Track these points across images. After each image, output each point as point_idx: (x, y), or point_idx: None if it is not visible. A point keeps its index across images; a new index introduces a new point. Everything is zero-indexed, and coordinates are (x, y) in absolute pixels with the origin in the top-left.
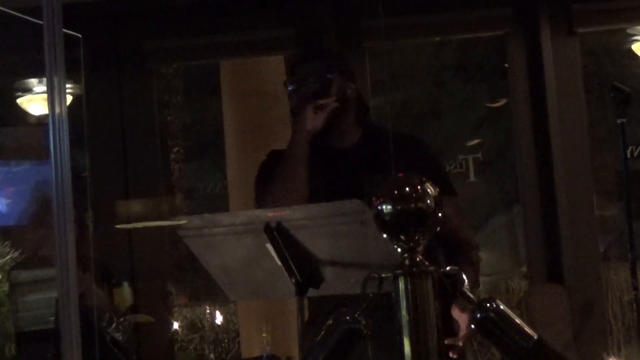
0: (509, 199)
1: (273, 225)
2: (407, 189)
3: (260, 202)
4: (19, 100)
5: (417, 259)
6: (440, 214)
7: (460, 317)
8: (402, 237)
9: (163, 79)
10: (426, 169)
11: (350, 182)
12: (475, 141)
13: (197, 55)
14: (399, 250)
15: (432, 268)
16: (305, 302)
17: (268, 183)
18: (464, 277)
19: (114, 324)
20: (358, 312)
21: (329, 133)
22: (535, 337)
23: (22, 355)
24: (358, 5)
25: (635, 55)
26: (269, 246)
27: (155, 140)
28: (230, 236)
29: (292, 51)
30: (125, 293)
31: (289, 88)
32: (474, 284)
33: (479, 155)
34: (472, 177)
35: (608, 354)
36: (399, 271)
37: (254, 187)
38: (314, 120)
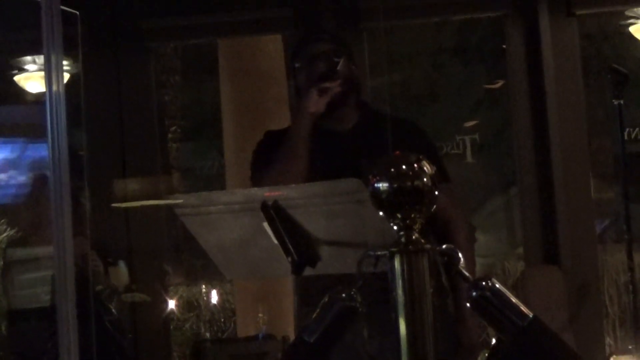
0: (506, 180)
1: (270, 203)
2: (404, 167)
3: (258, 181)
4: (16, 78)
5: (413, 237)
6: (436, 192)
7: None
8: (399, 215)
9: (161, 58)
10: (420, 154)
11: (346, 164)
12: (473, 122)
13: (195, 34)
14: (395, 228)
15: (428, 246)
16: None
17: (266, 163)
18: (460, 255)
19: (113, 300)
20: (354, 290)
21: (329, 115)
22: (531, 316)
23: (16, 333)
24: None
25: (633, 37)
26: (266, 225)
27: (152, 119)
28: (227, 215)
29: (291, 31)
30: (122, 272)
31: (296, 65)
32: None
33: (477, 136)
34: (469, 159)
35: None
36: (395, 249)
37: (250, 167)
38: (317, 103)
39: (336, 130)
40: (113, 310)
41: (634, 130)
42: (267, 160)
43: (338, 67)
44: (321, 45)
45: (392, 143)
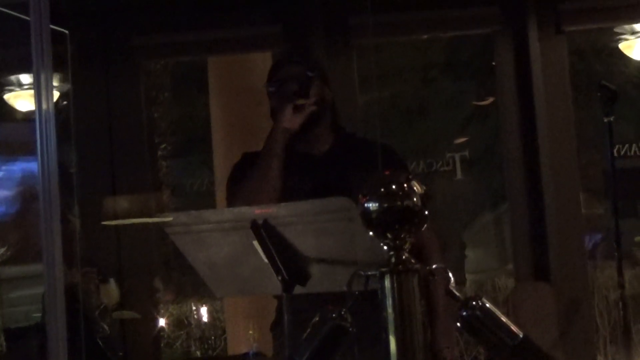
0: (496, 197)
1: (260, 222)
2: (394, 186)
3: (232, 201)
4: (6, 96)
5: (403, 257)
6: (426, 212)
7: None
8: (389, 235)
9: (151, 75)
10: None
11: (321, 187)
12: (463, 139)
13: (185, 51)
14: (385, 248)
15: (418, 266)
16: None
17: (241, 181)
18: (450, 275)
19: (106, 318)
20: (344, 309)
21: (304, 137)
22: (521, 336)
23: (8, 351)
24: (346, 2)
25: (622, 54)
26: (256, 243)
27: (142, 136)
28: (216, 233)
29: (280, 48)
30: (112, 289)
31: (270, 89)
32: None
33: (466, 153)
34: (459, 175)
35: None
36: (385, 269)
37: (226, 188)
38: (291, 120)
39: (311, 153)
40: (106, 327)
41: (623, 147)
42: (241, 180)
43: (311, 83)
44: (293, 68)
45: (367, 167)
